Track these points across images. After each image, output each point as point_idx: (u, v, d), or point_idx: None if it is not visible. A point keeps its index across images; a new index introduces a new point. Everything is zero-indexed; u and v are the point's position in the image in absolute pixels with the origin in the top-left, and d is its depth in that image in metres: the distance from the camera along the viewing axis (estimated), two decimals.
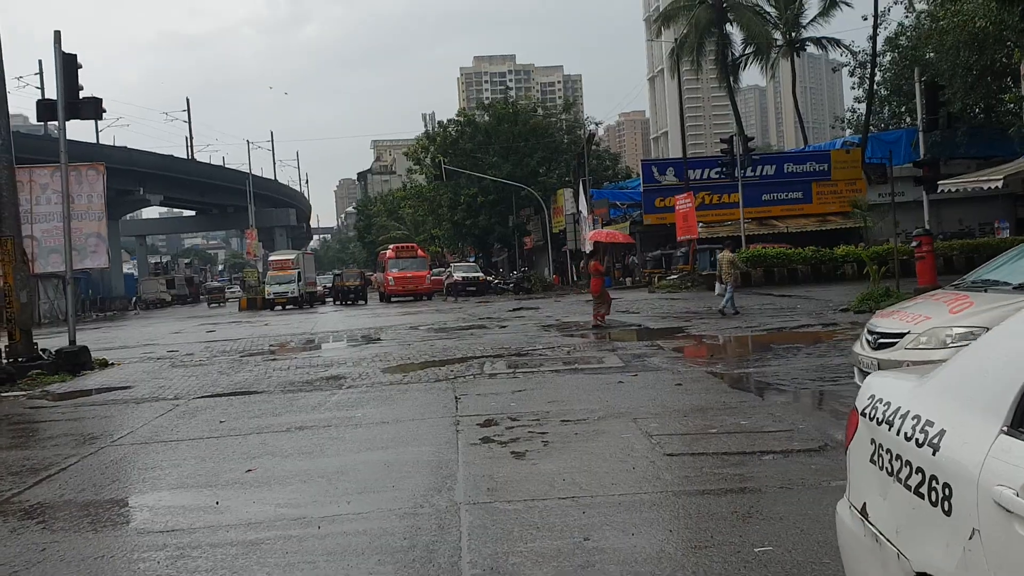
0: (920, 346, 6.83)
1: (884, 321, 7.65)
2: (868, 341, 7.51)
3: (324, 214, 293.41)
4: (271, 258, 46.50)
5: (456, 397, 9.55)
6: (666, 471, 5.98)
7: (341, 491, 5.84)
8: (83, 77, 15.16)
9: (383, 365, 13.44)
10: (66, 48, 15.11)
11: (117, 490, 6.43)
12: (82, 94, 15.31)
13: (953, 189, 22.42)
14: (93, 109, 15.31)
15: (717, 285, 20.01)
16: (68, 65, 15.14)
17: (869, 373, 7.56)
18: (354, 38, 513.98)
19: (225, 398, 10.74)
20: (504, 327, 19.99)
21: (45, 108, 15.27)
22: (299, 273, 40.98)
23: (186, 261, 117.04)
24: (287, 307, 40.11)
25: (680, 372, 10.85)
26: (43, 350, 15.19)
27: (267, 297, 40.71)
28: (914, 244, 20.07)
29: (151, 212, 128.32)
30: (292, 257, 42.71)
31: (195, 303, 74.50)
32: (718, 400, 8.68)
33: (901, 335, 7.12)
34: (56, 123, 15.63)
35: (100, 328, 33.29)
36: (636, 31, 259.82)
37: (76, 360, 14.93)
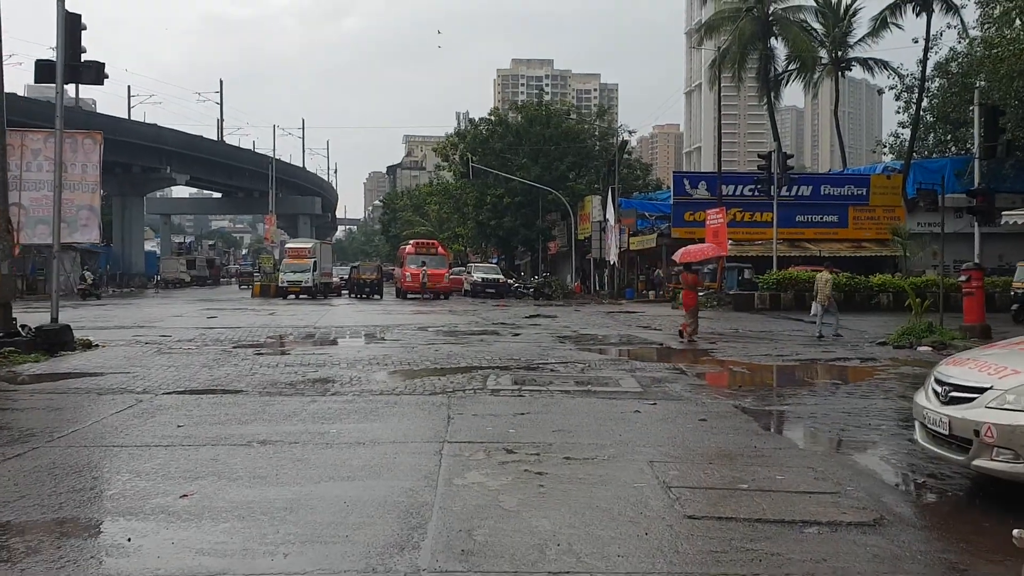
0: (1007, 406, 5.59)
1: (956, 370, 6.40)
2: (937, 393, 6.26)
3: (352, 206, 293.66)
4: (287, 245, 45.59)
5: (449, 416, 8.42)
6: (686, 541, 4.80)
7: (282, 537, 4.71)
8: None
9: (378, 370, 12.34)
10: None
11: (11, 511, 5.28)
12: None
13: (1021, 222, 21.04)
14: (94, 73, 14.34)
15: (813, 305, 19.36)
16: (71, 24, 14.20)
17: (935, 431, 6.36)
18: (394, 33, 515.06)
19: (195, 396, 9.68)
20: (517, 335, 18.85)
21: (43, 70, 14.28)
22: (315, 263, 40.03)
23: (210, 243, 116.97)
24: (300, 297, 39.19)
25: (704, 404, 9.65)
26: (23, 326, 14.24)
27: (280, 285, 39.80)
28: (962, 278, 18.62)
29: (181, 192, 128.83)
30: (309, 246, 41.78)
31: (215, 285, 74.07)
32: (748, 444, 7.48)
33: (980, 390, 5.87)
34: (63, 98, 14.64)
35: (105, 305, 32.50)
36: (676, 44, 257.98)
37: (56, 339, 13.97)
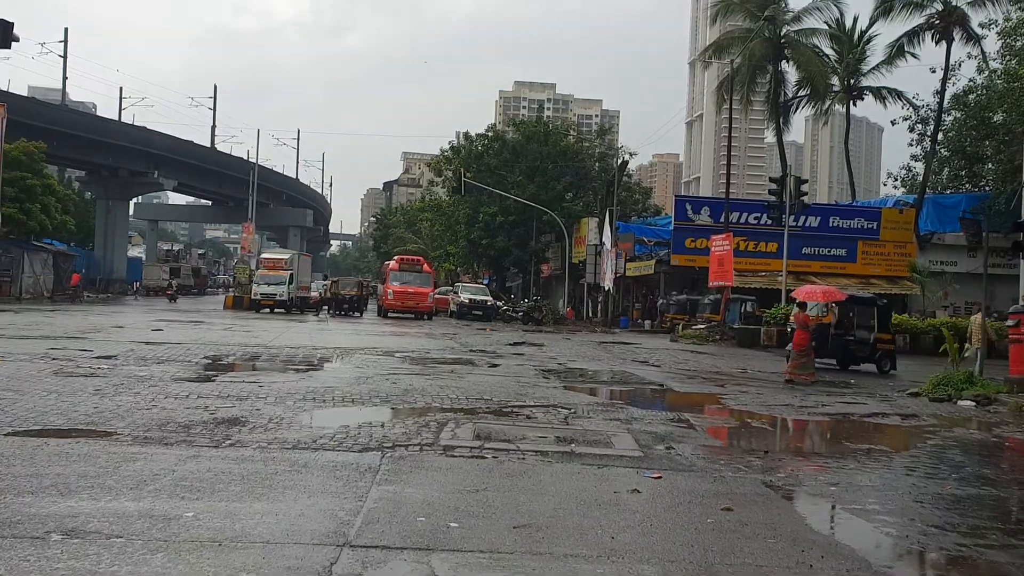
0: None
1: None
2: None
3: (350, 221, 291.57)
4: (262, 255, 42.99)
5: (369, 493, 5.96)
6: None
7: None
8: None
9: (311, 408, 9.87)
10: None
11: None
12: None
13: None
14: (1, 34, 11.97)
15: (967, 346, 17.59)
16: None
17: None
18: (396, 52, 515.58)
19: (42, 440, 7.21)
20: (496, 366, 16.39)
21: None
22: (292, 275, 37.49)
23: (200, 252, 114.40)
24: (276, 311, 36.67)
25: (725, 479, 7.22)
26: None
27: (254, 298, 37.24)
28: (1010, 323, 16.23)
29: (178, 199, 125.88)
30: (286, 257, 39.21)
31: (200, 295, 71.25)
32: (799, 559, 5.04)
33: None
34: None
35: (56, 311, 29.94)
36: (679, 74, 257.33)
37: None
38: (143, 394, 10.21)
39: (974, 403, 14.10)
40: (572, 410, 10.72)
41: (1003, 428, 11.60)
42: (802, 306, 18.36)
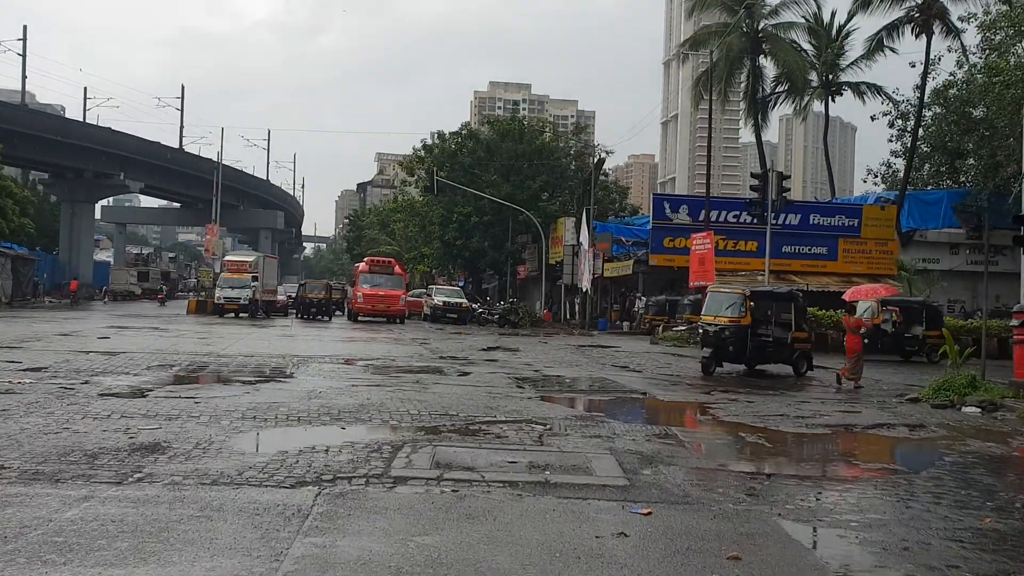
0: None
1: None
2: None
3: (324, 223, 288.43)
4: (226, 258, 41.38)
5: (288, 551, 4.75)
6: None
7: None
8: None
9: (248, 429, 8.63)
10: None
11: None
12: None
13: None
14: None
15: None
16: None
17: None
18: (371, 53, 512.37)
19: None
20: (466, 374, 15.21)
21: None
22: (255, 278, 36.01)
23: (171, 255, 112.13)
24: (240, 315, 35.21)
25: (727, 514, 6.08)
26: None
27: (217, 302, 35.73)
28: (1014, 323, 15.25)
29: (151, 203, 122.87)
30: (250, 259, 37.69)
31: (169, 299, 69.13)
32: None
33: None
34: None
35: (4, 318, 28.34)
36: (654, 75, 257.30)
37: None
38: (57, 414, 8.93)
39: (980, 410, 13.12)
40: (548, 426, 9.55)
41: (1021, 440, 10.57)
42: (851, 310, 17.80)
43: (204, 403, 10.17)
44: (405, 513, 5.68)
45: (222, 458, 7.17)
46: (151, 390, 11.20)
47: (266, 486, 6.25)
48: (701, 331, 18.10)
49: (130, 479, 6.27)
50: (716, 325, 17.33)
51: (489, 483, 6.63)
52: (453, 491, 6.34)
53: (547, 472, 7.15)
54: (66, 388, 10.98)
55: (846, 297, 19.56)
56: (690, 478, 7.28)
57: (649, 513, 6.00)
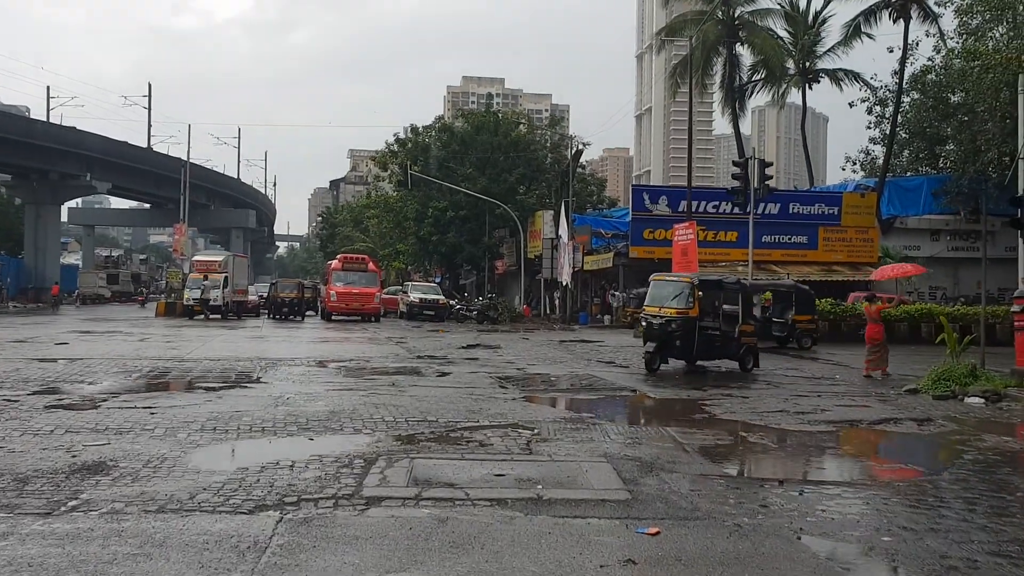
0: None
1: None
2: None
3: (297, 222, 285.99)
4: (195, 258, 40.24)
5: None
6: None
7: None
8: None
9: (206, 443, 7.83)
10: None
11: None
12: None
13: None
14: None
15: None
16: None
17: None
18: (342, 48, 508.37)
19: None
20: (445, 375, 14.44)
21: None
22: (226, 278, 34.95)
23: (142, 257, 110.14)
24: (210, 316, 34.15)
25: (744, 530, 5.38)
26: None
27: (186, 303, 34.65)
28: (1015, 308, 14.69)
29: (121, 204, 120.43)
30: (220, 259, 36.60)
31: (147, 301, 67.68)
32: None
33: None
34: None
35: None
36: (627, 68, 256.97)
37: None
38: None
39: (983, 400, 12.56)
40: (536, 431, 8.82)
41: None
42: (871, 299, 17.23)
43: (161, 414, 9.33)
44: (378, 543, 4.91)
45: (173, 478, 6.37)
46: (104, 400, 10.32)
47: (220, 512, 5.46)
48: (644, 324, 16.18)
49: (62, 508, 5.46)
50: (662, 317, 15.57)
51: (474, 502, 5.88)
52: (433, 508, 5.59)
53: (539, 486, 6.41)
54: (9, 400, 10.10)
55: (873, 277, 19.56)
56: (696, 487, 6.58)
57: (657, 532, 5.29)
